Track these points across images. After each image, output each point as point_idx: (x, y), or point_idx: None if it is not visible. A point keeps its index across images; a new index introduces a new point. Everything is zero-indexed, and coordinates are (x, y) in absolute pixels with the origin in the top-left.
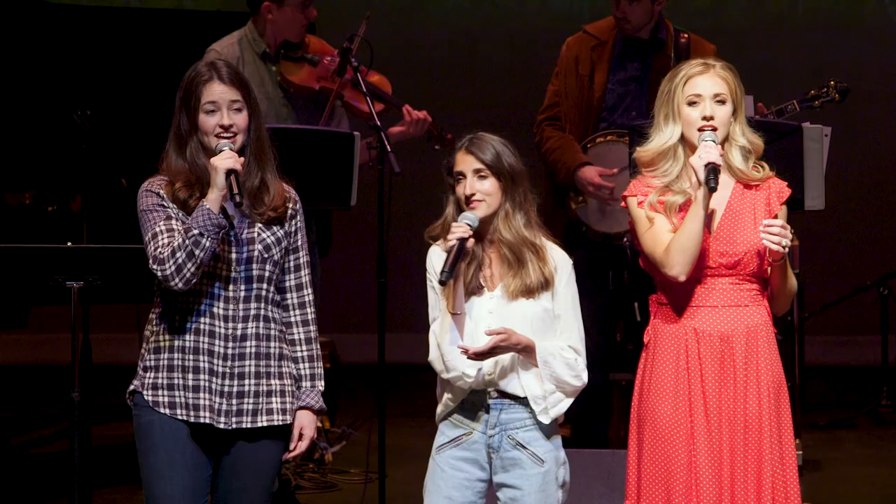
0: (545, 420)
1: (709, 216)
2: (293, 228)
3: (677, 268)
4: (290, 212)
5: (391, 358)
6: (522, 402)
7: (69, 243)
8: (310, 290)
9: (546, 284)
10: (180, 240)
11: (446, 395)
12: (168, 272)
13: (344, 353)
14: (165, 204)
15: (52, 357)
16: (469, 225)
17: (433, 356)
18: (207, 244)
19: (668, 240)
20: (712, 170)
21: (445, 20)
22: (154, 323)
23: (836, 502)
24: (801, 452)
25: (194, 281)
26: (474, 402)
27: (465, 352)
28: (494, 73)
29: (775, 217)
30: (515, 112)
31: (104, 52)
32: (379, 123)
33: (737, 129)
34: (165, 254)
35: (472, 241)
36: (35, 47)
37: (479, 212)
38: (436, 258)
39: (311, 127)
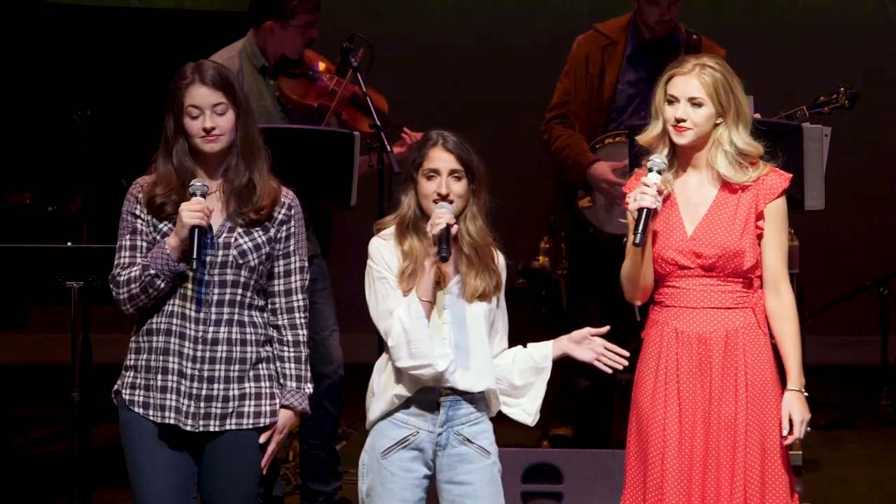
0: (531, 422)
1: (690, 217)
2: (283, 234)
3: (626, 294)
4: (280, 217)
5: None
6: (468, 397)
7: (69, 243)
8: (301, 296)
9: (497, 288)
10: (137, 272)
11: (392, 393)
12: (121, 297)
13: (344, 353)
14: (137, 212)
15: (52, 357)
16: (450, 212)
17: (397, 342)
18: (162, 286)
19: None
20: (644, 218)
21: (445, 19)
22: (137, 323)
23: (836, 502)
24: (800, 452)
25: (149, 305)
26: (421, 401)
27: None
28: (494, 72)
29: (761, 214)
30: (515, 111)
31: (104, 52)
32: (378, 123)
33: (724, 134)
34: (121, 279)
35: (455, 227)
36: (35, 47)
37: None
38: (385, 251)
39: (311, 127)
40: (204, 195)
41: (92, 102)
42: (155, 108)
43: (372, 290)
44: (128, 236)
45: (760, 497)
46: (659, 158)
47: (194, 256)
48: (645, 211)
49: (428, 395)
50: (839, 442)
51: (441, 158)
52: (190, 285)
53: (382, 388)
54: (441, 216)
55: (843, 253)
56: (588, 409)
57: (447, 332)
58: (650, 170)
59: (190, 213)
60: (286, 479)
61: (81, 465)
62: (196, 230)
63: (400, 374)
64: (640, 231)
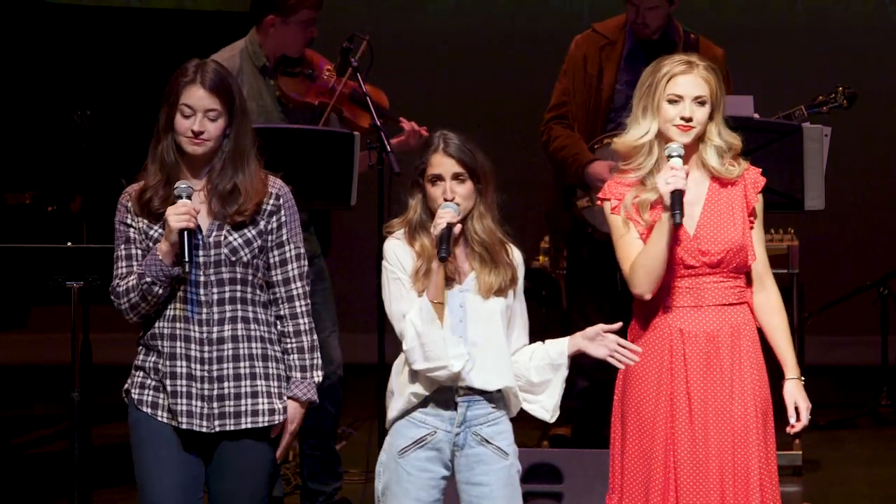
0: (550, 418)
1: (686, 216)
2: (273, 225)
3: (640, 287)
4: (269, 207)
5: (391, 358)
6: (487, 396)
7: (69, 243)
8: (300, 283)
9: (513, 282)
10: (134, 281)
11: (409, 392)
12: (122, 307)
13: (344, 353)
14: (128, 221)
15: (52, 357)
16: (454, 212)
17: (411, 345)
18: (160, 292)
19: (635, 254)
20: (678, 199)
21: (446, 19)
22: (143, 326)
23: (836, 502)
24: (800, 452)
25: (152, 311)
26: (439, 400)
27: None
28: (495, 72)
29: (753, 210)
30: (515, 111)
31: (104, 52)
32: (379, 123)
33: (713, 130)
34: (120, 289)
35: (458, 226)
36: (35, 47)
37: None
38: (399, 251)
39: (311, 127)
40: (189, 196)
41: (92, 102)
42: (155, 108)
43: (387, 290)
44: (122, 246)
45: (772, 493)
46: (676, 145)
47: (186, 259)
48: (677, 192)
49: (445, 394)
50: (839, 442)
51: (443, 164)
52: (189, 288)
53: (400, 388)
54: (442, 216)
55: (843, 253)
56: (588, 409)
57: (463, 330)
58: (670, 156)
59: (176, 216)
60: (286, 479)
61: (81, 465)
62: (185, 233)
63: (416, 373)
64: (678, 211)
